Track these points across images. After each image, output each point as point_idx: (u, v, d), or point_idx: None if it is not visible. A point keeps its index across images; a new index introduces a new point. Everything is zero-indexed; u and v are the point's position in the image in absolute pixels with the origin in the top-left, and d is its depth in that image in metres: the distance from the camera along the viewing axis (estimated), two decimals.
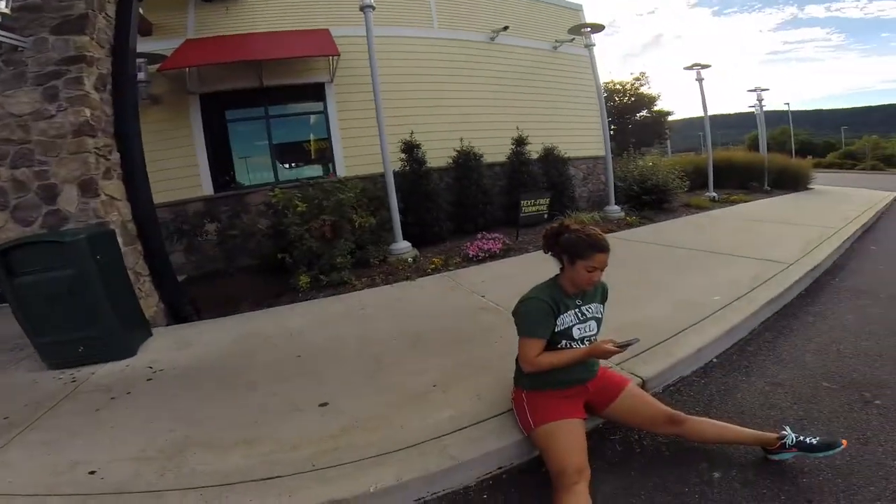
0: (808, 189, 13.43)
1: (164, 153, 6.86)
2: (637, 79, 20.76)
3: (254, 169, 7.92)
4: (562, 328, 1.98)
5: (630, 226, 7.62)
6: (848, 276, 4.82)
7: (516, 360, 2.12)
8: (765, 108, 14.78)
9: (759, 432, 1.97)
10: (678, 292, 3.98)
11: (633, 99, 20.19)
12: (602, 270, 1.93)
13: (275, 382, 2.90)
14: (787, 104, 19.45)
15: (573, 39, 9.60)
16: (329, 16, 7.74)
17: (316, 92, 7.79)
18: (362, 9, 5.71)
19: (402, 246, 6.01)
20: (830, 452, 1.86)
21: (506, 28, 9.22)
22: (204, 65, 6.92)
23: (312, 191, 5.59)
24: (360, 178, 6.83)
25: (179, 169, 7.00)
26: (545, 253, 2.10)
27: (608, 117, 9.24)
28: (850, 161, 39.14)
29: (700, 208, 9.42)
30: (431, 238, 6.97)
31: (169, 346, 3.77)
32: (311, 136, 8.21)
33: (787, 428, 1.94)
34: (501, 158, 8.70)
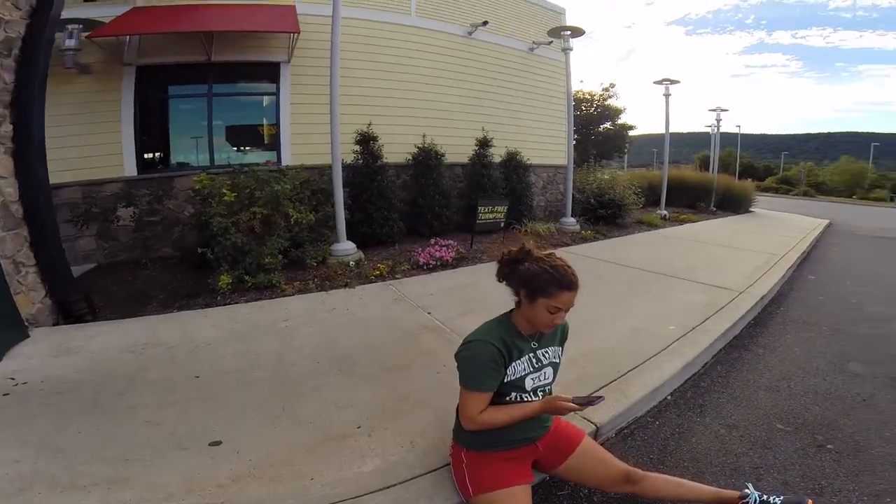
0: (749, 212, 14.11)
1: (84, 128, 6.08)
2: (606, 90, 20.97)
3: (190, 151, 7.14)
4: (512, 378, 1.65)
5: (585, 240, 7.53)
6: (792, 307, 4.88)
7: (457, 409, 1.78)
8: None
9: (719, 490, 1.84)
10: (632, 319, 3.81)
11: (599, 110, 20.40)
12: (566, 311, 1.61)
13: (163, 407, 2.41)
14: (739, 126, 20.51)
15: (551, 42, 9.33)
16: None
17: (270, 72, 7.10)
18: None
19: (346, 247, 5.50)
20: None
21: (485, 23, 8.76)
22: (144, 34, 6.16)
23: (245, 178, 4.97)
24: (307, 169, 6.26)
25: (100, 146, 6.18)
26: (499, 281, 1.75)
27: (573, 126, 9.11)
28: (786, 186, 42.40)
29: (651, 226, 9.56)
30: (381, 239, 6.50)
31: (46, 352, 3.14)
32: (259, 120, 7.51)
33: (750, 486, 1.84)
34: (463, 159, 8.32)
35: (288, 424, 2.26)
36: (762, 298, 4.66)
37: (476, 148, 8.13)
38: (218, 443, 2.10)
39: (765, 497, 1.76)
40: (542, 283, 1.56)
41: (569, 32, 8.22)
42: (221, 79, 7.04)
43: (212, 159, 6.91)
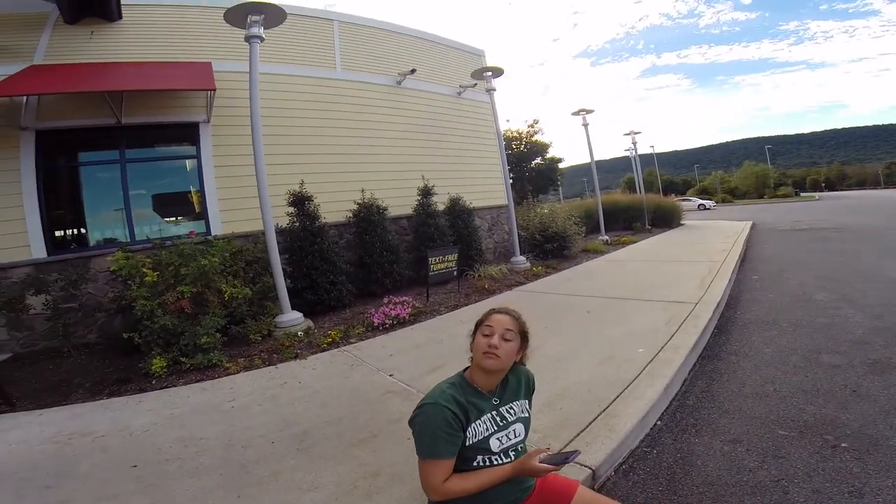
0: (681, 225, 15.01)
1: None
2: (531, 126, 21.77)
3: (110, 225, 6.44)
4: (474, 441, 1.45)
5: (537, 276, 7.47)
6: (746, 309, 4.97)
7: None
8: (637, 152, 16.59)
9: None
10: (600, 347, 3.68)
11: (528, 147, 21.12)
12: (504, 338, 1.49)
13: (98, 501, 2.13)
14: (653, 147, 22.25)
15: (475, 85, 9.59)
16: (215, 48, 6.84)
17: (188, 133, 6.68)
18: (248, 39, 5.02)
19: (291, 317, 5.04)
20: None
21: (413, 71, 8.78)
22: (43, 94, 5.57)
23: (167, 254, 4.51)
24: (239, 237, 5.82)
25: None
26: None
27: (507, 165, 9.29)
28: (705, 195, 46.66)
29: (597, 252, 9.80)
30: (330, 305, 6.05)
31: None
32: (182, 186, 6.96)
33: None
34: (408, 211, 8.15)
35: None
36: (717, 305, 4.71)
37: (419, 198, 7.97)
38: None
39: None
40: (480, 318, 1.58)
41: (490, 73, 8.45)
42: (134, 143, 6.50)
43: (131, 234, 6.23)
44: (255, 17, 4.94)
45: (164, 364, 3.96)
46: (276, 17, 5.08)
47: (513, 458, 1.51)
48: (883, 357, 3.22)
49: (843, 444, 2.21)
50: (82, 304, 5.49)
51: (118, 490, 2.20)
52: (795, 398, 2.75)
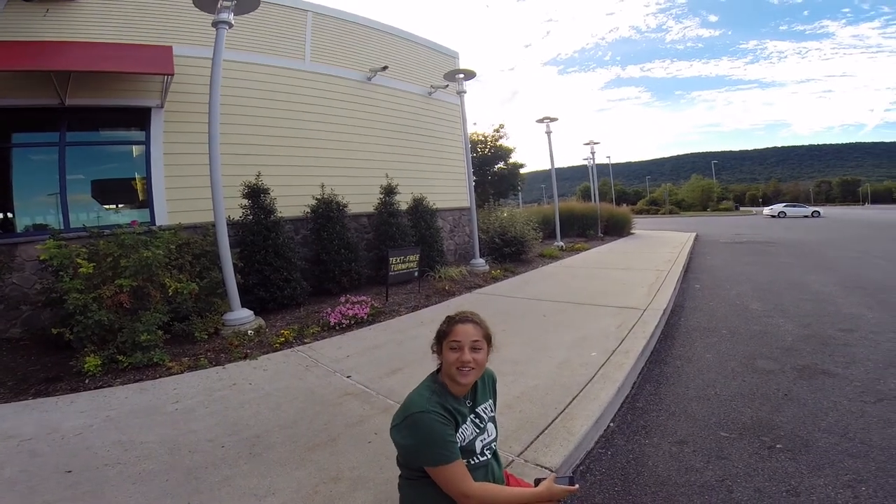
0: (631, 234, 15.72)
1: None
2: (497, 130, 21.99)
3: (42, 211, 5.93)
4: (463, 444, 1.48)
5: (496, 279, 7.57)
6: (690, 316, 5.26)
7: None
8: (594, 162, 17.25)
9: None
10: (556, 352, 3.77)
11: (492, 151, 21.31)
12: (471, 349, 1.48)
13: None
14: (609, 157, 23.21)
15: (447, 86, 9.54)
16: (178, 32, 6.43)
17: (138, 118, 6.24)
18: (215, 25, 4.74)
19: (241, 315, 4.81)
20: None
21: (385, 68, 8.61)
22: None
23: (106, 244, 4.18)
24: (186, 228, 5.52)
25: None
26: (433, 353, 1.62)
27: (471, 168, 9.33)
28: (654, 207, 49.46)
29: (553, 258, 10.07)
30: (283, 303, 5.84)
31: None
32: (126, 173, 6.51)
33: None
34: (369, 209, 8.02)
35: None
36: (664, 312, 4.96)
37: (381, 196, 7.86)
38: None
39: None
40: (442, 328, 1.56)
41: (462, 75, 8.47)
42: (78, 126, 6.02)
43: (66, 221, 5.72)
44: (226, 3, 4.68)
45: (99, 362, 3.64)
46: (249, 3, 4.85)
47: (489, 456, 1.56)
48: (810, 363, 3.50)
49: (778, 446, 2.37)
50: (5, 295, 5.02)
51: (51, 497, 2.02)
52: (734, 401, 2.94)
